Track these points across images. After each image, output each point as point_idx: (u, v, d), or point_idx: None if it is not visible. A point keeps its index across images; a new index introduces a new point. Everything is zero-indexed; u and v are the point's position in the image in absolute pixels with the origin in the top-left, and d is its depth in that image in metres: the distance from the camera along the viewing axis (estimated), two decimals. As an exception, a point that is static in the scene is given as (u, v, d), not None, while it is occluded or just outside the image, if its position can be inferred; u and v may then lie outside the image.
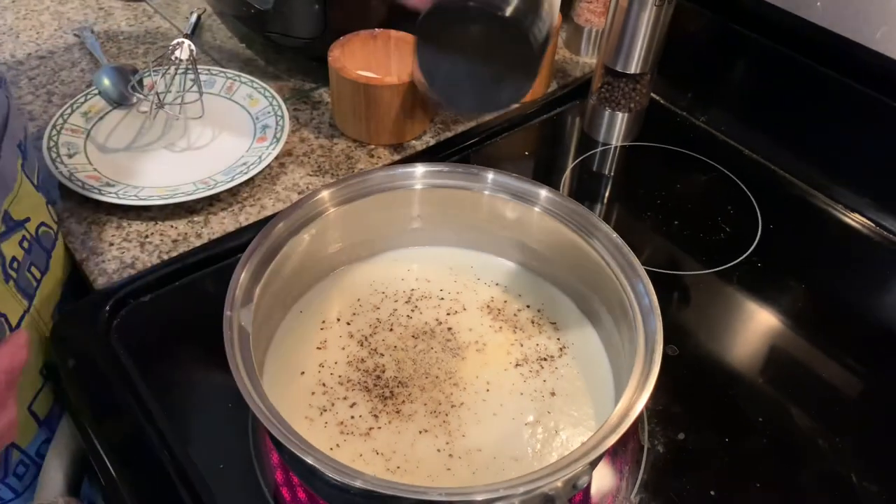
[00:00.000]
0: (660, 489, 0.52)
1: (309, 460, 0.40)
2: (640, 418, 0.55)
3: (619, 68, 0.74)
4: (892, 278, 0.69)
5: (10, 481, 0.58)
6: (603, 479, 0.52)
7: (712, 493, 0.52)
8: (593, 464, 0.43)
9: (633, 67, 0.74)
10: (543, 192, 0.55)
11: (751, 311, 0.65)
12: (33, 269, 0.58)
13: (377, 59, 0.79)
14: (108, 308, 0.60)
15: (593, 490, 0.52)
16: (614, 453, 0.53)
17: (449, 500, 0.39)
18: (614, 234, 0.52)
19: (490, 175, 0.56)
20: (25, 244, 0.57)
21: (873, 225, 0.72)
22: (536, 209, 0.55)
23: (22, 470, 0.59)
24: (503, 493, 0.39)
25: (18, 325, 0.56)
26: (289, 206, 0.54)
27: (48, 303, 0.60)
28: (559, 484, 0.40)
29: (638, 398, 0.43)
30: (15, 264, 0.56)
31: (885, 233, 0.71)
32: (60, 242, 0.64)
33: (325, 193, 0.54)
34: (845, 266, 0.70)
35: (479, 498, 0.39)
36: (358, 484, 0.40)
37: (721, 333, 0.63)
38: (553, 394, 0.52)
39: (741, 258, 0.68)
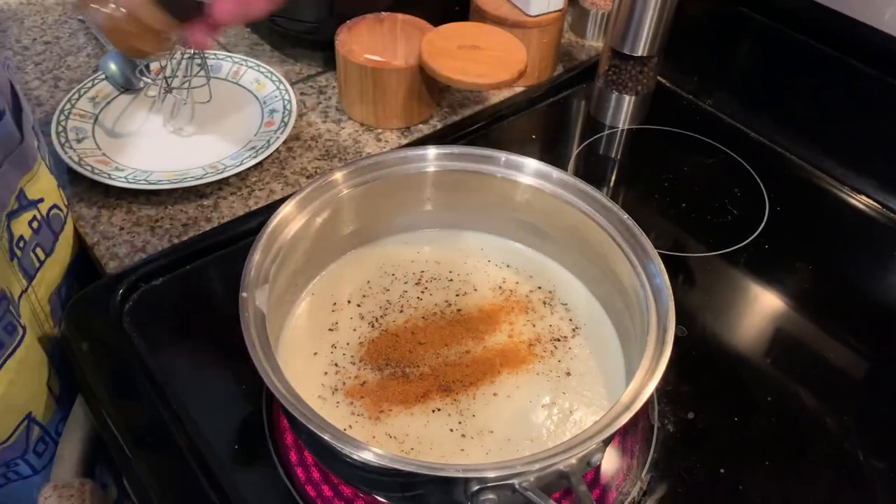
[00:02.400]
0: (670, 467, 0.52)
1: (326, 437, 0.40)
2: (651, 398, 0.55)
3: (626, 51, 0.74)
4: (898, 260, 0.69)
5: (30, 458, 0.59)
6: (614, 458, 0.53)
7: (721, 470, 0.52)
8: (607, 441, 0.43)
9: (641, 50, 0.74)
10: (555, 174, 0.55)
11: (758, 293, 0.65)
12: (38, 249, 0.58)
13: (384, 43, 0.79)
14: (120, 292, 0.60)
15: (605, 469, 0.52)
16: (625, 432, 0.54)
17: (466, 476, 0.40)
18: (625, 216, 0.52)
19: (503, 157, 0.56)
20: (35, 224, 0.57)
21: (880, 206, 0.72)
22: (547, 191, 0.55)
23: (42, 447, 0.59)
24: (520, 469, 0.40)
25: (19, 301, 0.56)
26: (303, 187, 0.54)
27: (48, 286, 0.60)
28: (574, 461, 0.41)
29: (650, 377, 0.44)
30: (21, 243, 0.56)
31: (892, 214, 0.72)
32: (69, 227, 0.64)
33: (338, 175, 0.54)
34: (852, 248, 0.70)
35: (495, 474, 0.40)
36: (375, 461, 0.40)
37: (729, 315, 0.63)
38: (568, 374, 0.53)
39: (748, 240, 0.68)
